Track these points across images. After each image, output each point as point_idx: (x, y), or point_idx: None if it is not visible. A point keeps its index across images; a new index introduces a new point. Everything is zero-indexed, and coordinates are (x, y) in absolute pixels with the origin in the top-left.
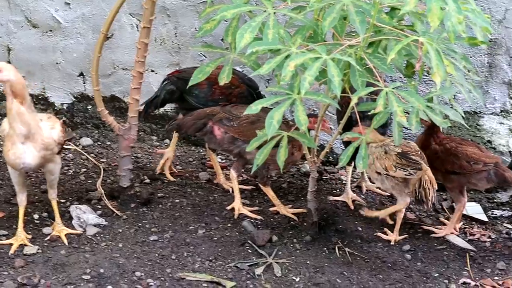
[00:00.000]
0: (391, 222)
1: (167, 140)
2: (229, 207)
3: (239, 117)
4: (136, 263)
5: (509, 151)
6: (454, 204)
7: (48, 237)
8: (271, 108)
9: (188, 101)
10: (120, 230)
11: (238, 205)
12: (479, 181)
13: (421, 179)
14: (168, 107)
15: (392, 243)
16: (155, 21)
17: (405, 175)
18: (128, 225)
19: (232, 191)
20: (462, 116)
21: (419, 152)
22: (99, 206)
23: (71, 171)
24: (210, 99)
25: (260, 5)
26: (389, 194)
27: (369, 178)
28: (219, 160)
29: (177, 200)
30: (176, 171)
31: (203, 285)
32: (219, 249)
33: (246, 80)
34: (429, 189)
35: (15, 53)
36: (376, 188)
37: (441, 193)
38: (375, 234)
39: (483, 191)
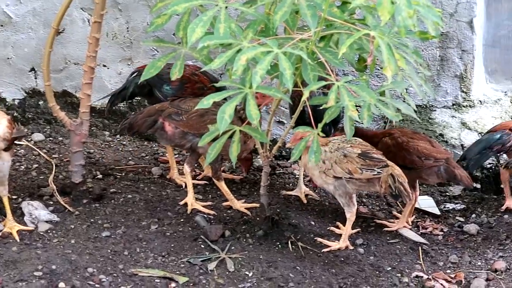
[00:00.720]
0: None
1: (119, 136)
2: (182, 202)
3: (188, 111)
4: (88, 259)
5: (461, 145)
6: None
7: (0, 234)
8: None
9: (157, 96)
10: (72, 226)
11: (191, 200)
12: (429, 176)
13: (393, 175)
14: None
15: (336, 248)
16: (107, 16)
17: (373, 175)
18: (81, 221)
19: (185, 186)
20: (414, 110)
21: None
22: (51, 202)
23: (22, 167)
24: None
25: None
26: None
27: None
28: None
29: (129, 196)
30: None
31: (155, 280)
32: (172, 245)
33: (210, 76)
34: (404, 182)
35: None
36: None
37: None
38: (328, 228)
39: (435, 184)
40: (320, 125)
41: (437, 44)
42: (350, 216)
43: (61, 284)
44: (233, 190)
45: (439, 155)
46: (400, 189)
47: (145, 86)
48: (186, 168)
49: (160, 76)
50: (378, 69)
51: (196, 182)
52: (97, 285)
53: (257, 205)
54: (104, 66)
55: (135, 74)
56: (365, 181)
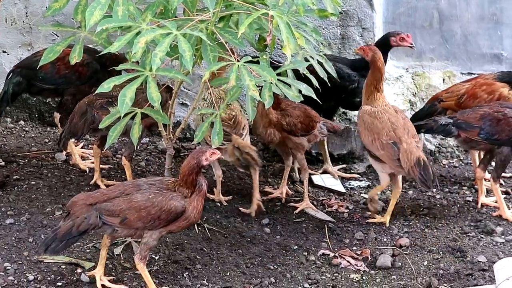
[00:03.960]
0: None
1: (21, 122)
2: (92, 182)
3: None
4: None
5: None
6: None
7: None
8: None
9: (38, 86)
10: None
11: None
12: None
13: (239, 147)
14: None
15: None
16: (5, 1)
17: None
18: None
19: (89, 171)
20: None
21: (232, 121)
22: None
23: None
24: (57, 76)
25: None
26: None
27: None
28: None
29: (33, 182)
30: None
31: (61, 267)
32: None
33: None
34: (251, 151)
35: None
36: None
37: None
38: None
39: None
40: (222, 106)
41: (338, 22)
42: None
43: None
44: (138, 173)
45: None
46: (247, 159)
47: (21, 83)
48: (96, 150)
49: (30, 67)
50: (280, 49)
51: (102, 166)
52: (1, 273)
53: None
54: (4, 52)
55: (11, 75)
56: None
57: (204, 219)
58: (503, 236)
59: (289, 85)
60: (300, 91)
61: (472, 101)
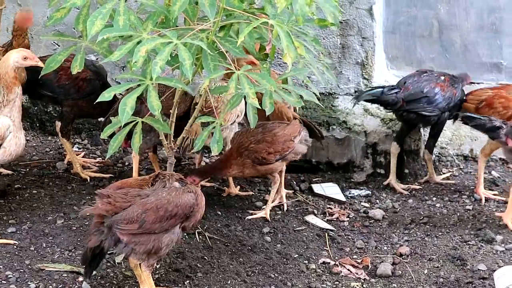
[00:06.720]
0: None
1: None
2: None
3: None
4: None
5: (364, 131)
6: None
7: None
8: None
9: (38, 91)
10: None
11: None
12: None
13: None
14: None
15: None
16: (6, 11)
17: None
18: None
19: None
20: (318, 97)
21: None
22: None
23: None
24: (56, 86)
25: None
26: None
27: None
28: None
29: (34, 191)
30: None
31: (63, 275)
32: (79, 239)
33: (91, 67)
34: None
35: None
36: None
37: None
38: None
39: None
40: (222, 115)
41: (338, 32)
42: None
43: None
44: None
45: None
46: None
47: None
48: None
49: (34, 69)
50: (281, 58)
51: (100, 175)
52: (3, 282)
53: None
54: None
55: None
56: None
57: (205, 227)
58: (503, 245)
59: (289, 92)
60: (301, 97)
61: (488, 110)
